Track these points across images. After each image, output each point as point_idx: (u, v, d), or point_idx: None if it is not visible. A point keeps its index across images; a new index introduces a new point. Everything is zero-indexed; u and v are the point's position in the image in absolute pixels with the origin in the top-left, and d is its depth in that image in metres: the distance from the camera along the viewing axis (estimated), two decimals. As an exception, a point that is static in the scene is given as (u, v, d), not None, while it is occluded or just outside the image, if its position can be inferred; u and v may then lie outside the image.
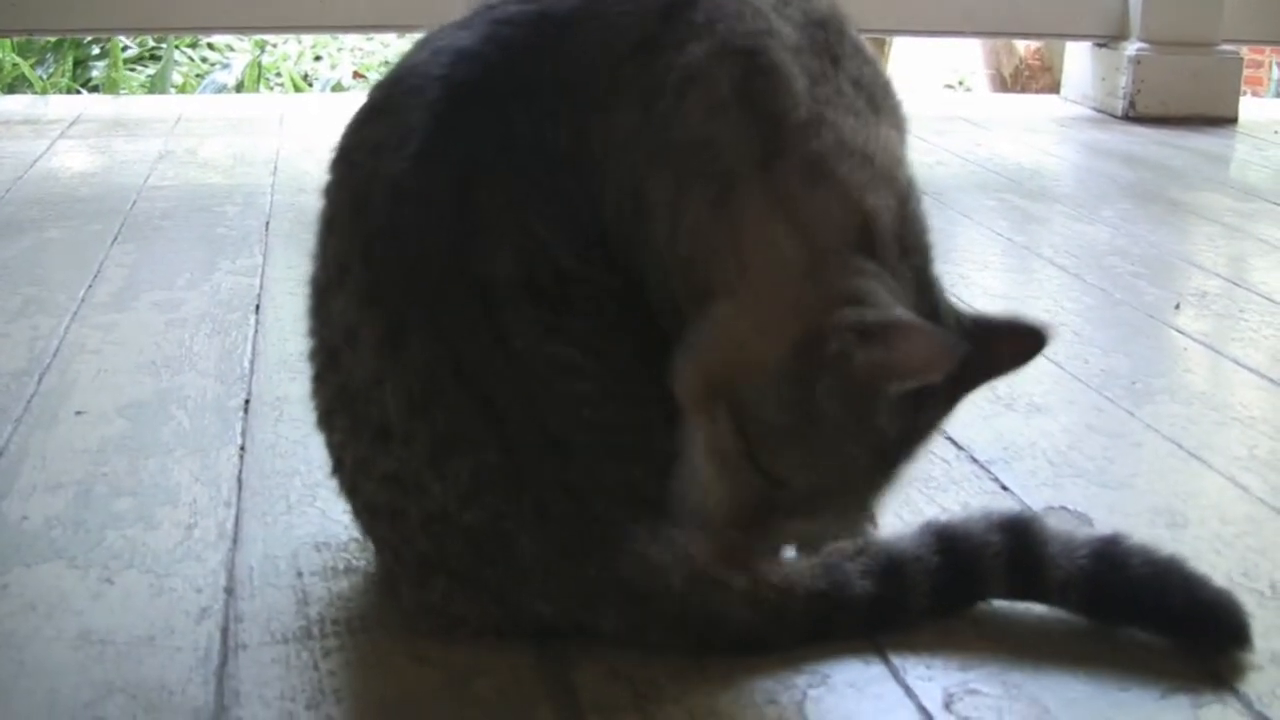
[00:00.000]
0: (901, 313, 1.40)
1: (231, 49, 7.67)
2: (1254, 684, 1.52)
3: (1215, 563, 1.77)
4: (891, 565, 1.59)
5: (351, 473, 1.59)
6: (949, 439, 2.09)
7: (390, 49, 8.20)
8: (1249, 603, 1.63)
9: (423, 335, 1.48)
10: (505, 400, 1.47)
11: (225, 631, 1.57)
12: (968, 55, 9.05)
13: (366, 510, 1.59)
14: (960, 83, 9.06)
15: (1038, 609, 1.63)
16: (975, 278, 3.04)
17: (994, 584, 1.62)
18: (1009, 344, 1.49)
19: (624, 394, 1.50)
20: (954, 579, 1.61)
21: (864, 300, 1.40)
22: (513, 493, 1.48)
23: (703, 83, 1.49)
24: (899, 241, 1.48)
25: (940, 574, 1.60)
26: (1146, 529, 1.80)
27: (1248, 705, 1.48)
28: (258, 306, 2.68)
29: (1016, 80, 8.40)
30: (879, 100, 1.57)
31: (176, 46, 7.32)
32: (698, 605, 1.51)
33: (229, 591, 1.65)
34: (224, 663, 1.51)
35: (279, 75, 7.43)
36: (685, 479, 1.48)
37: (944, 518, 1.65)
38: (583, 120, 1.53)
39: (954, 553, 1.61)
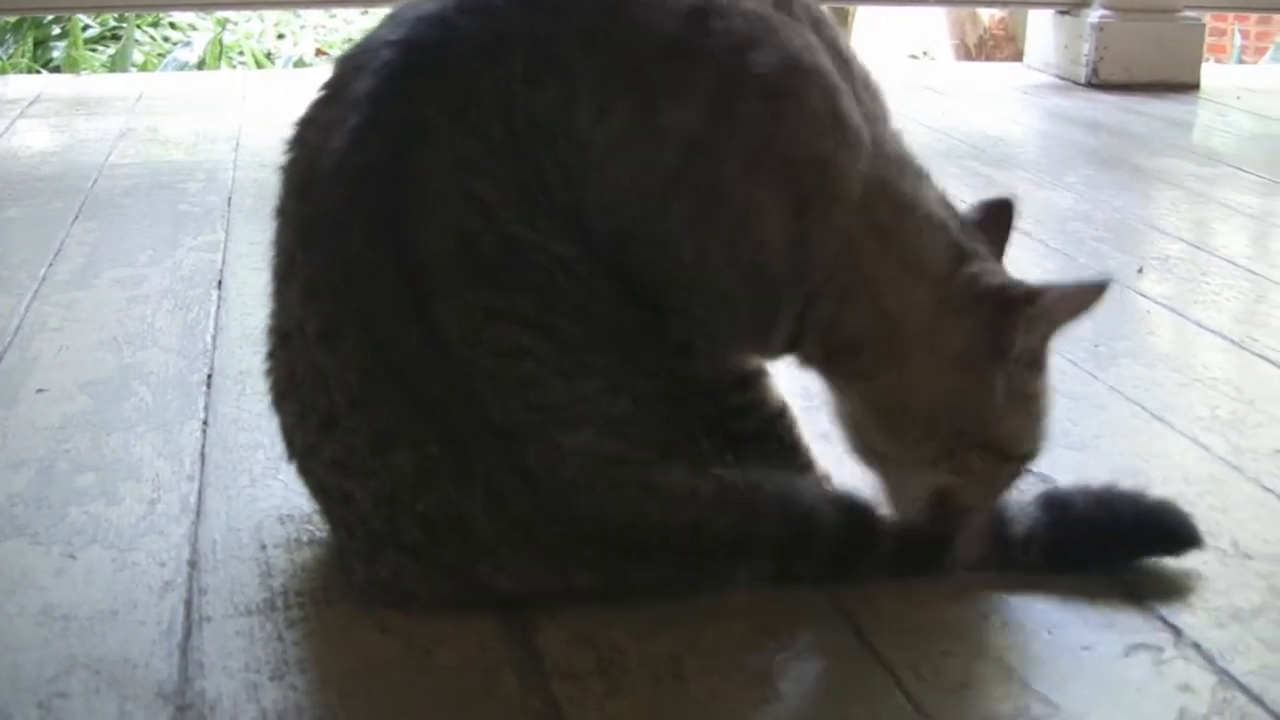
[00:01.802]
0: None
1: (194, 28, 7.63)
2: (1215, 639, 1.53)
3: (1178, 522, 1.77)
4: (862, 507, 1.61)
5: (302, 455, 1.61)
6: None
7: (353, 25, 8.17)
8: (1211, 561, 1.66)
9: (356, 334, 1.50)
10: (443, 396, 1.48)
11: (189, 605, 1.57)
12: (932, 26, 9.04)
13: (318, 490, 1.61)
14: (925, 53, 9.05)
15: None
16: (939, 244, 3.03)
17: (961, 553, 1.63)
18: (997, 227, 1.69)
19: (572, 365, 1.51)
20: (922, 543, 1.62)
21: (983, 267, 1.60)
22: (462, 481, 1.48)
23: (793, 100, 1.54)
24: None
25: (909, 535, 1.62)
26: (1112, 490, 1.80)
27: (1210, 660, 1.49)
28: (220, 282, 2.67)
29: (981, 50, 8.39)
30: (873, 90, 1.65)
31: (138, 25, 7.28)
32: (679, 525, 1.52)
33: (192, 565, 1.65)
34: (188, 635, 1.51)
35: (241, 54, 7.39)
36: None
37: None
38: (569, 91, 1.52)
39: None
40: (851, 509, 1.61)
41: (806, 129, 1.54)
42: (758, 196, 1.54)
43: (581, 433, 1.50)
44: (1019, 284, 1.59)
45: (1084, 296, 1.57)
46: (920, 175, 1.64)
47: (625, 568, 1.53)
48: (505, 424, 1.48)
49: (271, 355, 1.64)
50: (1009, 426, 1.60)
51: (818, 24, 1.61)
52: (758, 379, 1.69)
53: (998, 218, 1.70)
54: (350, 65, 1.59)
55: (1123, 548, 1.65)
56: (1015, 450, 1.62)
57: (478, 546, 1.49)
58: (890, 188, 1.59)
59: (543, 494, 1.48)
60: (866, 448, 1.66)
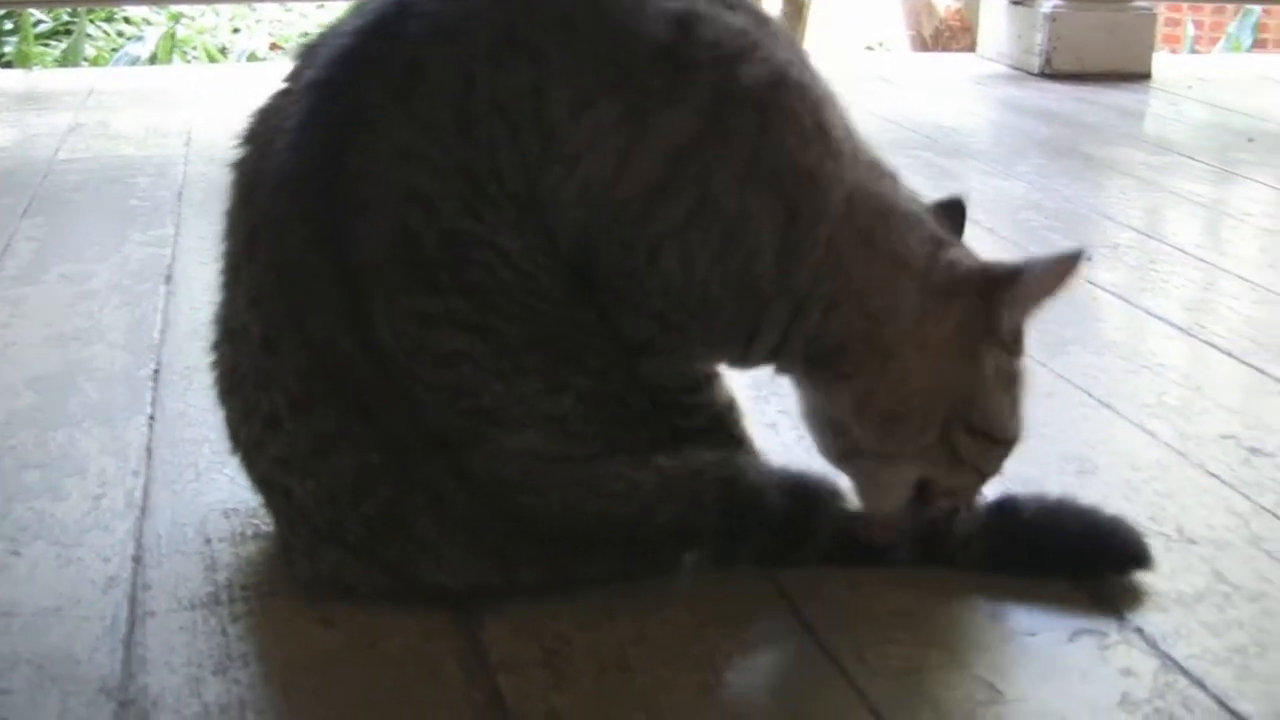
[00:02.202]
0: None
1: (148, 23, 7.60)
2: (1159, 624, 1.54)
3: (1124, 508, 1.78)
4: (805, 490, 1.61)
5: (246, 449, 1.60)
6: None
7: (309, 19, 8.15)
8: (1156, 546, 1.66)
9: (294, 342, 1.50)
10: (379, 404, 1.48)
11: (133, 600, 1.56)
12: (888, 17, 9.06)
13: (262, 484, 1.61)
14: (880, 44, 9.07)
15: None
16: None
17: (903, 549, 1.64)
18: (951, 224, 1.69)
19: (510, 367, 1.50)
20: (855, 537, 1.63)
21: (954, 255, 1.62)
22: (403, 485, 1.49)
23: (780, 113, 1.56)
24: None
25: (843, 523, 1.62)
26: (1056, 476, 1.81)
27: (1153, 645, 1.50)
28: (169, 276, 2.66)
29: (937, 41, 8.41)
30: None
31: (91, 20, 7.24)
32: (620, 519, 1.53)
33: (137, 560, 1.64)
34: (131, 631, 1.50)
35: (194, 49, 7.36)
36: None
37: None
38: (541, 78, 1.52)
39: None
40: (795, 493, 1.61)
41: (794, 141, 1.56)
42: (751, 207, 1.54)
43: (523, 434, 1.50)
44: (1000, 264, 1.61)
45: (1062, 270, 1.58)
46: (892, 176, 1.65)
47: (569, 563, 1.54)
48: (444, 431, 1.48)
49: (216, 347, 1.64)
50: (997, 408, 1.61)
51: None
52: (711, 380, 1.70)
53: (951, 216, 1.70)
54: (309, 53, 1.60)
55: (1065, 560, 1.64)
56: (1003, 433, 1.62)
57: (419, 545, 1.50)
58: (869, 193, 1.60)
59: (485, 496, 1.49)
60: (846, 447, 1.63)
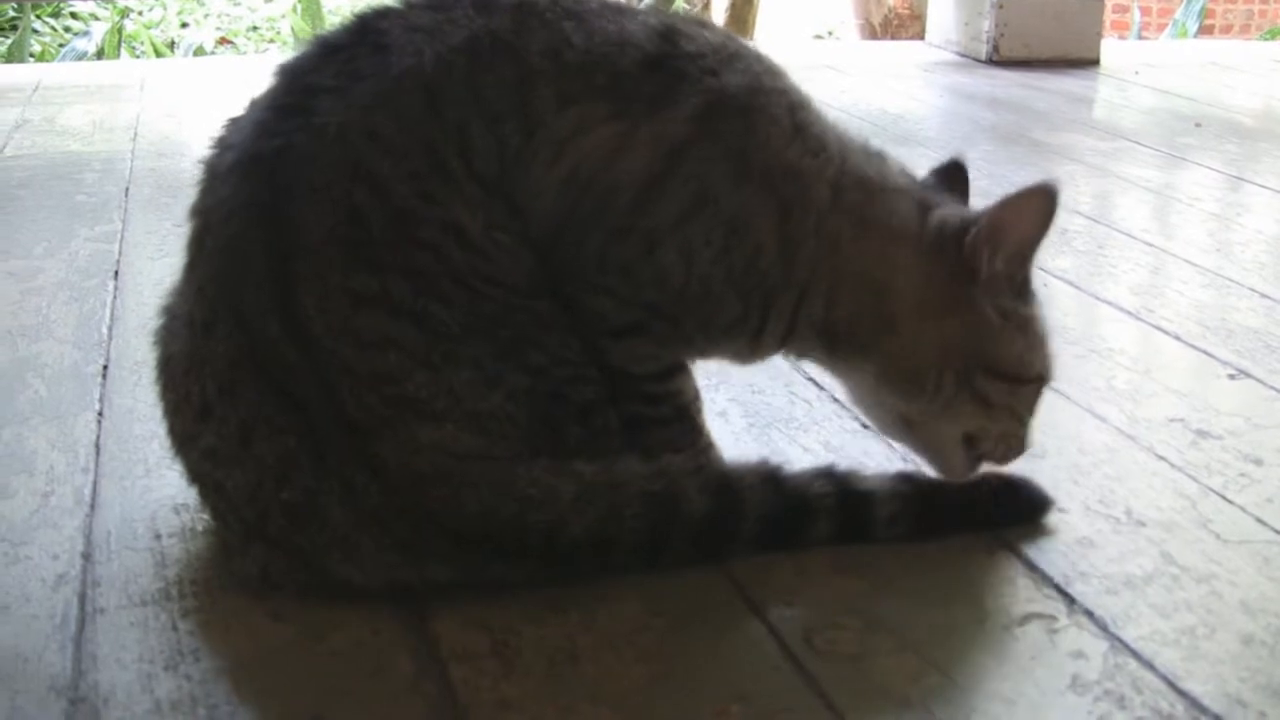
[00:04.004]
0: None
1: (95, 17, 7.55)
2: (1108, 607, 1.55)
3: (1073, 491, 1.80)
4: (728, 488, 1.61)
5: (181, 443, 1.61)
6: (810, 379, 2.10)
7: (257, 13, 8.12)
8: (1105, 530, 1.68)
9: (227, 325, 1.51)
10: (302, 390, 1.49)
11: (83, 597, 1.55)
12: (837, 5, 9.08)
13: (195, 480, 1.61)
14: (830, 33, 9.09)
15: (891, 543, 1.66)
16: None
17: (821, 524, 1.64)
18: (955, 186, 1.78)
19: (442, 356, 1.50)
20: (784, 515, 1.63)
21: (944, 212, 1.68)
22: (319, 472, 1.48)
23: (762, 115, 1.64)
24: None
25: (771, 506, 1.62)
26: (1005, 461, 1.82)
27: (1102, 627, 1.51)
28: (117, 272, 2.64)
29: (887, 29, 8.44)
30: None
31: (38, 15, 7.19)
32: (535, 526, 1.51)
33: (86, 557, 1.63)
34: (81, 628, 1.50)
35: (142, 44, 7.32)
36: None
37: (773, 461, 1.67)
38: (524, 76, 1.57)
39: (783, 493, 1.63)
40: (721, 492, 1.60)
41: (778, 142, 1.63)
42: (750, 204, 1.61)
43: (440, 427, 1.50)
44: (974, 211, 1.67)
45: (1029, 202, 1.63)
46: (880, 155, 1.73)
47: (483, 564, 1.53)
48: (359, 417, 1.48)
49: (158, 333, 1.67)
50: (1013, 350, 1.67)
51: None
52: (681, 371, 1.71)
53: (953, 178, 1.80)
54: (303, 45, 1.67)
55: (983, 517, 1.71)
56: (1026, 373, 1.69)
57: (331, 537, 1.49)
58: (856, 178, 1.67)
59: (393, 487, 1.48)
60: (894, 418, 1.72)
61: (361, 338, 1.48)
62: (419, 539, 1.50)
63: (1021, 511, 1.73)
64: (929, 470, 1.73)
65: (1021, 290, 1.68)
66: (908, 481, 1.70)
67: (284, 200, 1.50)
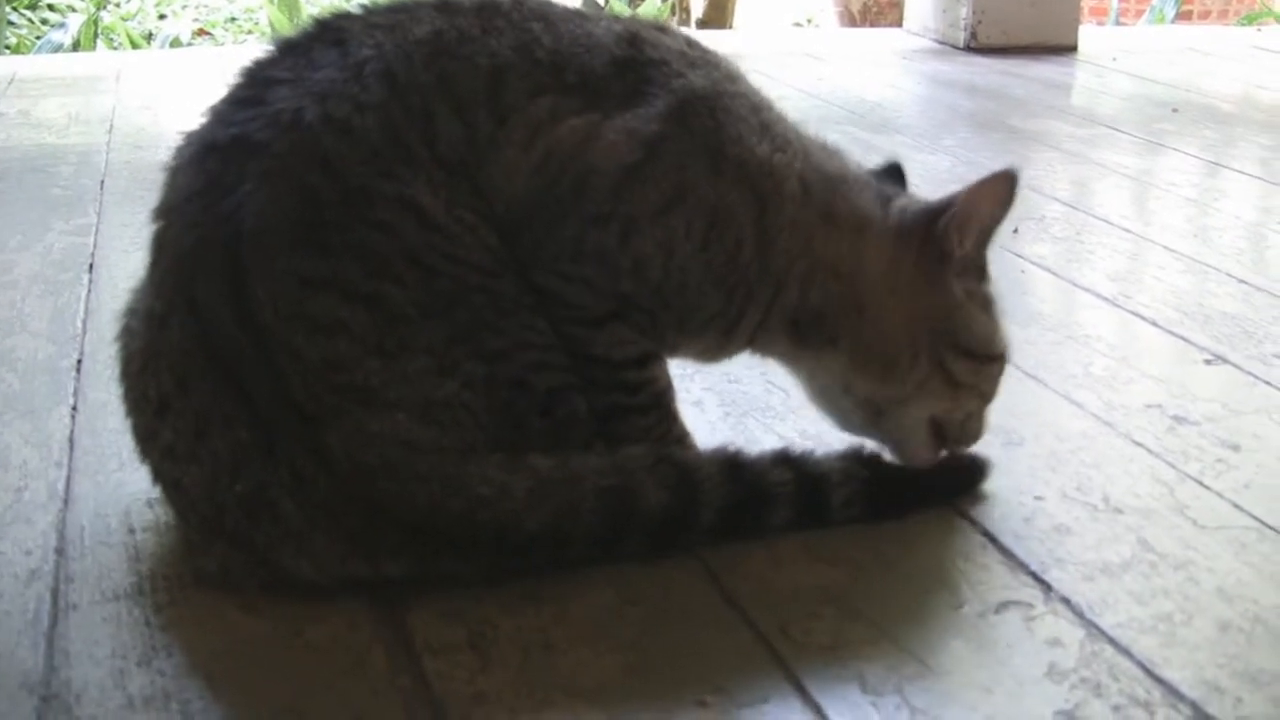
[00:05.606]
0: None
1: (72, 9, 7.52)
2: (1085, 594, 1.55)
3: (1049, 479, 1.80)
4: (686, 480, 1.60)
5: (142, 441, 1.61)
6: (788, 369, 2.10)
7: (236, 4, 8.09)
8: (1083, 517, 1.68)
9: (180, 315, 1.51)
10: (252, 379, 1.48)
11: (55, 593, 1.54)
12: (816, -7, 9.07)
13: (157, 479, 1.61)
14: (808, 20, 9.08)
15: (867, 531, 1.66)
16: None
17: (781, 510, 1.64)
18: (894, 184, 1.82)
19: (395, 343, 1.50)
20: (742, 502, 1.62)
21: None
22: (269, 464, 1.47)
23: (728, 114, 1.67)
24: None
25: (729, 495, 1.61)
26: (983, 448, 1.81)
27: (1079, 615, 1.51)
28: (91, 265, 2.63)
29: (865, 16, 8.42)
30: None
31: (13, 8, 7.16)
32: (487, 522, 1.50)
33: (59, 552, 1.62)
34: (54, 624, 1.49)
35: (118, 35, 7.29)
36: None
37: (732, 448, 1.66)
38: (495, 70, 1.59)
39: (741, 481, 1.63)
40: (679, 485, 1.59)
41: (750, 139, 1.66)
42: (728, 198, 1.63)
43: (391, 417, 1.49)
44: (939, 199, 1.71)
45: (993, 189, 1.69)
46: (838, 152, 1.78)
47: (435, 558, 1.52)
48: (307, 405, 1.47)
49: (120, 336, 1.67)
50: (979, 327, 1.73)
51: None
52: (654, 358, 1.71)
53: (894, 177, 1.84)
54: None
55: (931, 491, 1.75)
56: (993, 349, 1.74)
57: (284, 530, 1.48)
58: (821, 173, 1.71)
59: (341, 478, 1.47)
60: (860, 409, 1.73)
61: (311, 323, 1.47)
62: (369, 532, 1.49)
63: (965, 480, 1.77)
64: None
65: (981, 270, 1.74)
66: (860, 462, 1.71)
67: (237, 187, 1.49)
